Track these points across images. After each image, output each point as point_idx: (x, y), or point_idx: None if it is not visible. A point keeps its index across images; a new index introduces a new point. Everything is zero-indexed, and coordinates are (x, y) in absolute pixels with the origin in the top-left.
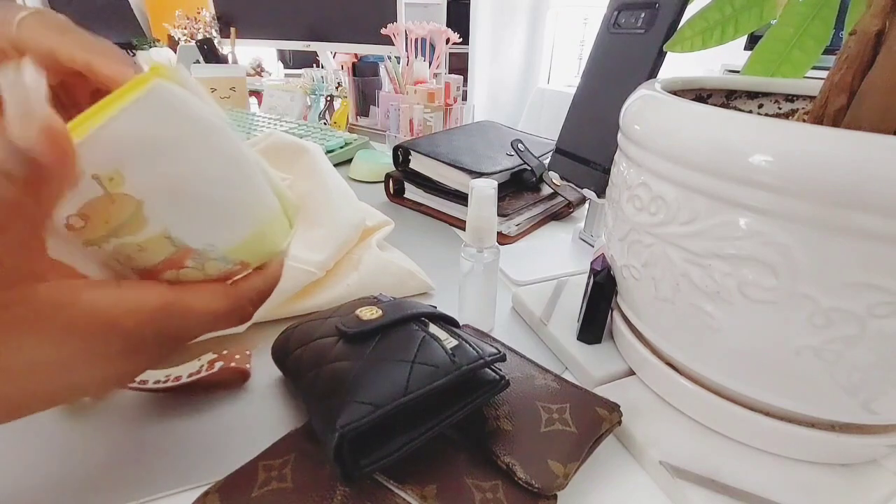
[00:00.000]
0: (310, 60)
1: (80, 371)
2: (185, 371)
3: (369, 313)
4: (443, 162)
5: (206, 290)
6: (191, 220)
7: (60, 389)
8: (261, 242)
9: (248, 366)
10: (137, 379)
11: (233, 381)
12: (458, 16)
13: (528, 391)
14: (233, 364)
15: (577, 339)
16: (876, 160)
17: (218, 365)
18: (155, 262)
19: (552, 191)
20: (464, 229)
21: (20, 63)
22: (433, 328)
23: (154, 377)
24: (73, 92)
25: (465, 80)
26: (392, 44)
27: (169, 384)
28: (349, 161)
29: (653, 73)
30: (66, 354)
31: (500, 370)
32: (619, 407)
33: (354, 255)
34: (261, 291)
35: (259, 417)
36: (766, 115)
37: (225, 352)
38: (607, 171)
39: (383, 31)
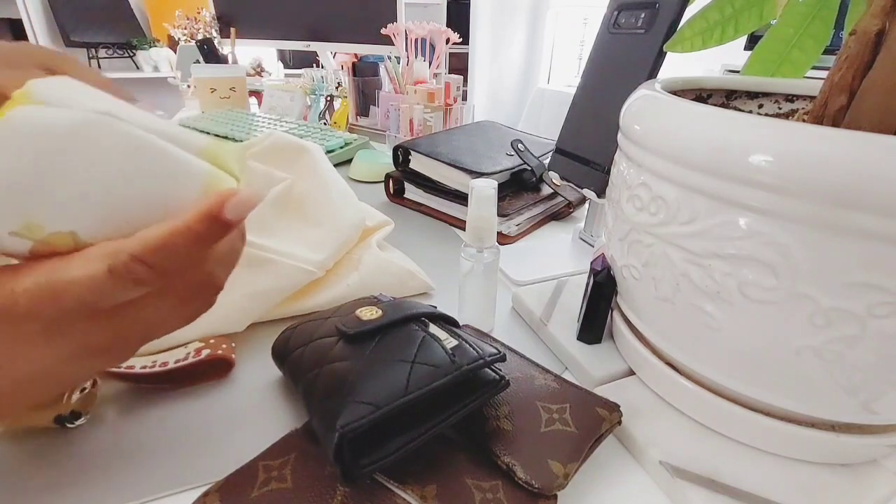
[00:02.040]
0: (310, 60)
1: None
2: (171, 357)
3: (369, 313)
4: (443, 162)
5: (92, 253)
6: (128, 221)
7: None
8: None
9: (233, 355)
10: (124, 365)
11: (218, 370)
12: (458, 16)
13: (528, 391)
14: (219, 352)
15: (577, 339)
16: (876, 160)
17: (205, 352)
18: None
19: (552, 191)
20: (464, 229)
21: None
22: (433, 328)
23: (141, 363)
24: None
25: (465, 80)
26: (392, 44)
27: (156, 370)
28: (349, 161)
29: (653, 73)
30: None
31: (500, 370)
32: (619, 407)
33: (354, 255)
34: (154, 249)
35: (259, 417)
36: (766, 115)
37: (212, 341)
38: (607, 171)
39: (383, 31)
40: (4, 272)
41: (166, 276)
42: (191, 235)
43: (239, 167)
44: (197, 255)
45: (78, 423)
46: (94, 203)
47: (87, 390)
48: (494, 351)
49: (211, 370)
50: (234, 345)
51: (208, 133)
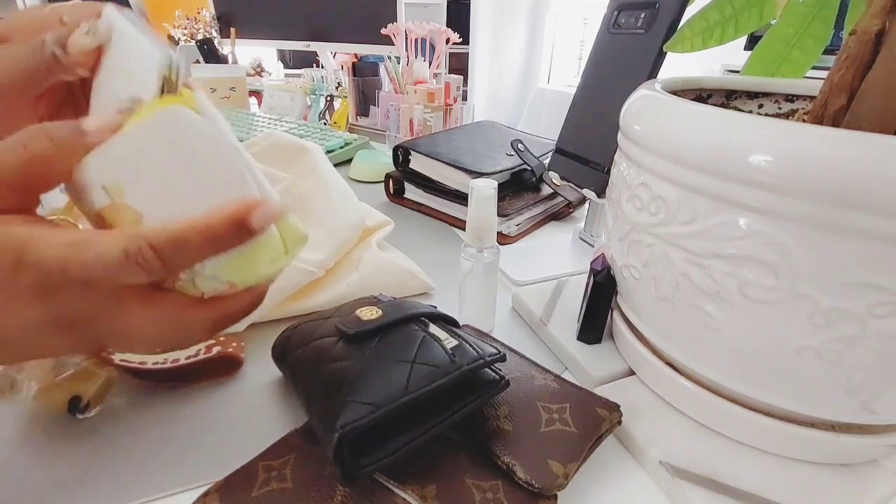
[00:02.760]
0: (310, 60)
1: None
2: (182, 354)
3: (369, 313)
4: (443, 162)
5: (116, 232)
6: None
7: None
8: (247, 264)
9: (242, 354)
10: (136, 360)
11: (225, 368)
12: (458, 16)
13: (528, 391)
14: (229, 350)
15: (577, 339)
16: (876, 160)
17: (215, 349)
18: None
19: (552, 191)
20: (464, 229)
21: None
22: (433, 328)
23: (153, 359)
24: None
25: (465, 80)
26: (392, 44)
27: (167, 366)
28: (349, 161)
29: (653, 73)
30: None
31: (500, 370)
32: (619, 407)
33: (354, 255)
34: (171, 241)
35: (259, 417)
36: (766, 115)
37: (222, 338)
38: (607, 171)
39: (383, 31)
40: (42, 225)
41: (174, 270)
42: (209, 235)
43: (294, 247)
44: (208, 256)
45: (88, 414)
46: (179, 205)
47: (101, 380)
48: (494, 351)
49: (219, 368)
50: (243, 343)
51: None
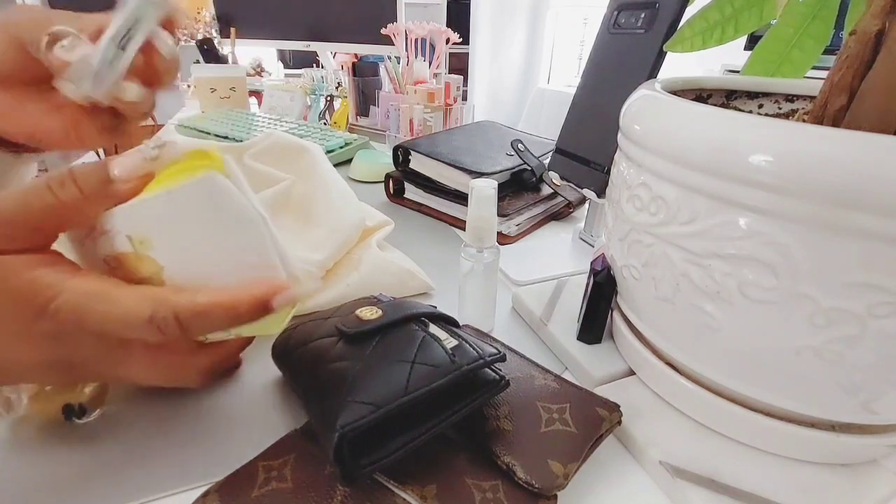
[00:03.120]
0: (310, 60)
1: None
2: None
3: (369, 313)
4: (443, 162)
5: (142, 292)
6: (197, 282)
7: None
8: (258, 326)
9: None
10: None
11: (227, 368)
12: (458, 16)
13: (528, 391)
14: None
15: (577, 339)
16: (876, 160)
17: None
18: None
19: (552, 191)
20: (464, 229)
21: None
22: (433, 328)
23: None
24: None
25: (465, 80)
26: (392, 44)
27: None
28: (349, 161)
29: (653, 73)
30: None
31: (500, 370)
32: (619, 407)
33: (354, 255)
34: (198, 313)
35: (259, 417)
36: (766, 115)
37: None
38: (607, 171)
39: (383, 31)
40: (63, 267)
41: (190, 338)
42: (233, 312)
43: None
44: (225, 329)
45: (86, 419)
46: (202, 264)
47: (95, 385)
48: (494, 351)
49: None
50: None
51: (208, 133)
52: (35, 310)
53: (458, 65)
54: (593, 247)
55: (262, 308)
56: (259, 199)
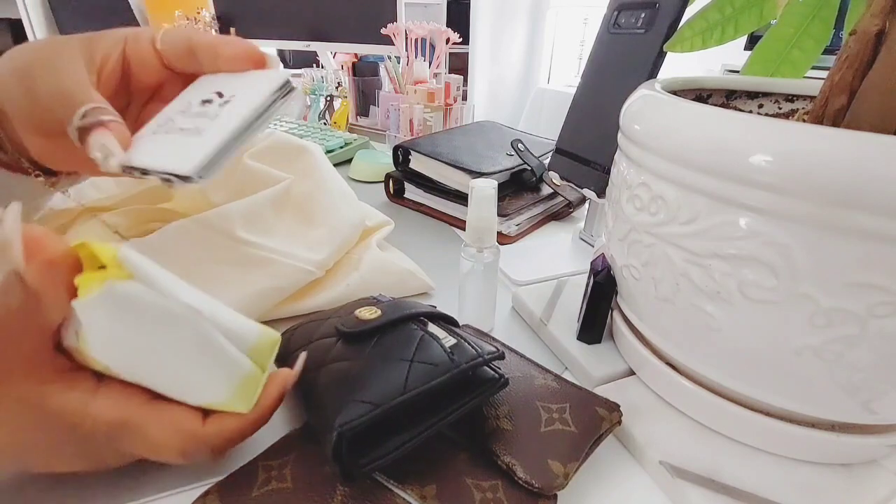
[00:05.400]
0: (310, 60)
1: (29, 459)
2: None
3: (368, 313)
4: (443, 162)
5: (170, 425)
6: (154, 386)
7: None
8: (225, 404)
9: None
10: None
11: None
12: (458, 16)
13: (528, 391)
14: None
15: (577, 339)
16: (876, 160)
17: None
18: None
19: (552, 191)
20: (464, 229)
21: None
22: (432, 327)
23: None
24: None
25: (465, 80)
26: (392, 44)
27: None
28: (349, 161)
29: (653, 73)
30: (21, 441)
31: (499, 368)
32: (619, 407)
33: (354, 255)
34: (229, 440)
35: None
36: (766, 115)
37: None
38: (607, 171)
39: (383, 31)
40: (85, 385)
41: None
42: (257, 425)
43: (271, 360)
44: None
45: None
46: (145, 364)
47: None
48: (493, 349)
49: None
50: None
51: None
52: (66, 432)
53: (458, 65)
54: (593, 247)
55: (279, 402)
56: (186, 288)
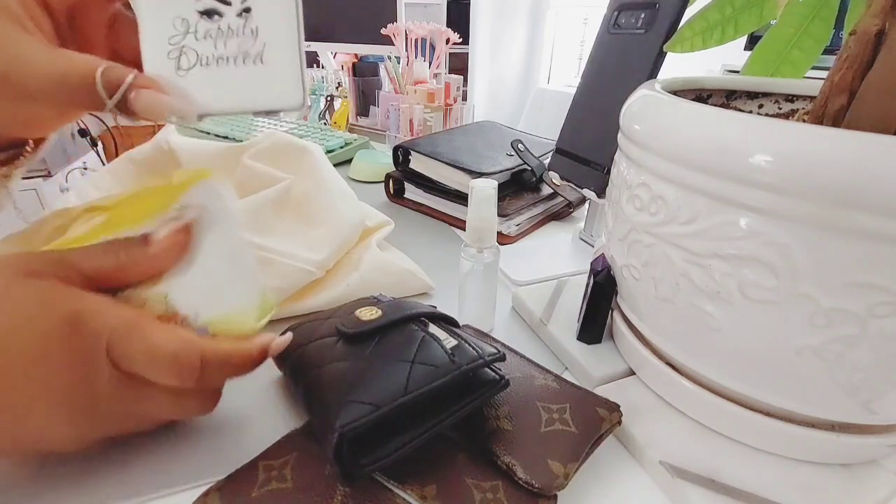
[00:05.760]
0: (310, 60)
1: (30, 416)
2: None
3: (369, 314)
4: (443, 162)
5: (171, 331)
6: (188, 290)
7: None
8: (232, 324)
9: None
10: None
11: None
12: (458, 16)
13: (528, 391)
14: None
15: (577, 339)
16: (876, 160)
17: None
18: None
19: (552, 191)
20: (464, 229)
21: None
22: (433, 328)
23: None
24: (84, 20)
25: (465, 80)
26: (392, 44)
27: None
28: (349, 161)
29: (653, 73)
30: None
31: (500, 370)
32: (619, 407)
33: (354, 255)
34: (221, 358)
35: (259, 417)
36: (766, 115)
37: None
38: (607, 171)
39: (383, 31)
40: (107, 298)
41: (205, 383)
42: (248, 359)
43: (265, 316)
44: (231, 376)
45: None
46: (203, 287)
47: None
48: (494, 351)
49: None
50: None
51: (208, 133)
52: (78, 339)
53: (458, 65)
54: (593, 247)
55: (265, 355)
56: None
